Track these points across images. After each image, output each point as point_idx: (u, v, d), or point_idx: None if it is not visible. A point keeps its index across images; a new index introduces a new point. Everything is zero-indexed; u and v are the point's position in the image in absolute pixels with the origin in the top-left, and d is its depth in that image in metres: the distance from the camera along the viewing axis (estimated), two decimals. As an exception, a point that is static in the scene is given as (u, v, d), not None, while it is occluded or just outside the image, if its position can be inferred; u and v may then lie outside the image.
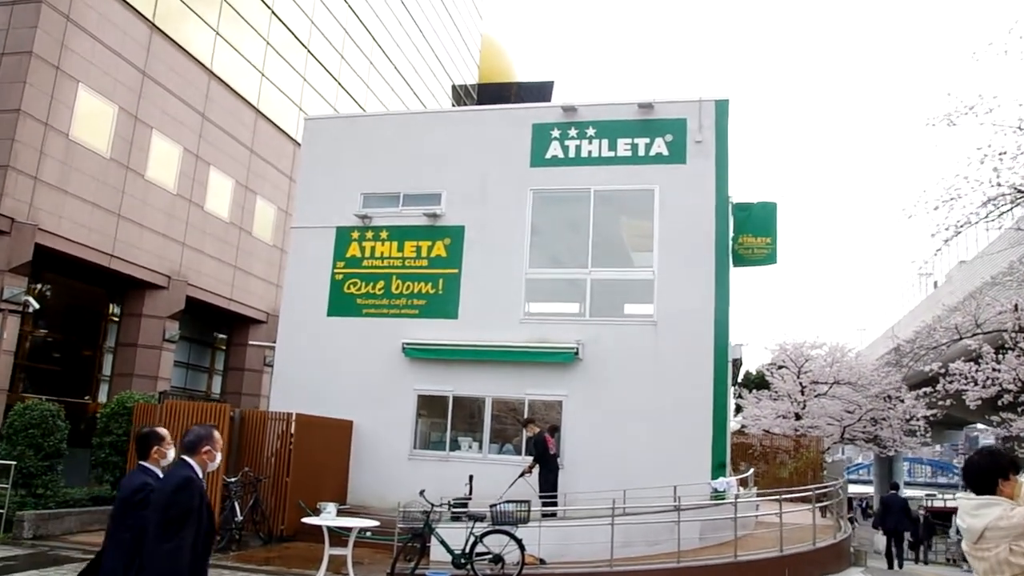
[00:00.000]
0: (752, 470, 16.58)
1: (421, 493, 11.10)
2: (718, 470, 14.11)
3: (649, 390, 14.48)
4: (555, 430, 14.40)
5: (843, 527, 14.91)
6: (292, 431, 13.04)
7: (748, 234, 16.35)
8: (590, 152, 15.69)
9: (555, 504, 13.12)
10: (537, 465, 13.40)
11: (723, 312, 14.67)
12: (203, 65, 24.74)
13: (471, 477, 13.39)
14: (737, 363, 16.00)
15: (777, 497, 12.55)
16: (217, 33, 25.56)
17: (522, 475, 13.46)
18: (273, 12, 28.68)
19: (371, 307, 16.01)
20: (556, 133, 15.90)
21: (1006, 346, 18.33)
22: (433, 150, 16.45)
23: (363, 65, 35.74)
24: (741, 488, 15.34)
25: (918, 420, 37.96)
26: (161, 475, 4.78)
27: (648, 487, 13.18)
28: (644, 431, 14.33)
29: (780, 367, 37.68)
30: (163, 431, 5.08)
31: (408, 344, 15.42)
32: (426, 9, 44.01)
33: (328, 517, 10.21)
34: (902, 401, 37.24)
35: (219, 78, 25.56)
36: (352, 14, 34.76)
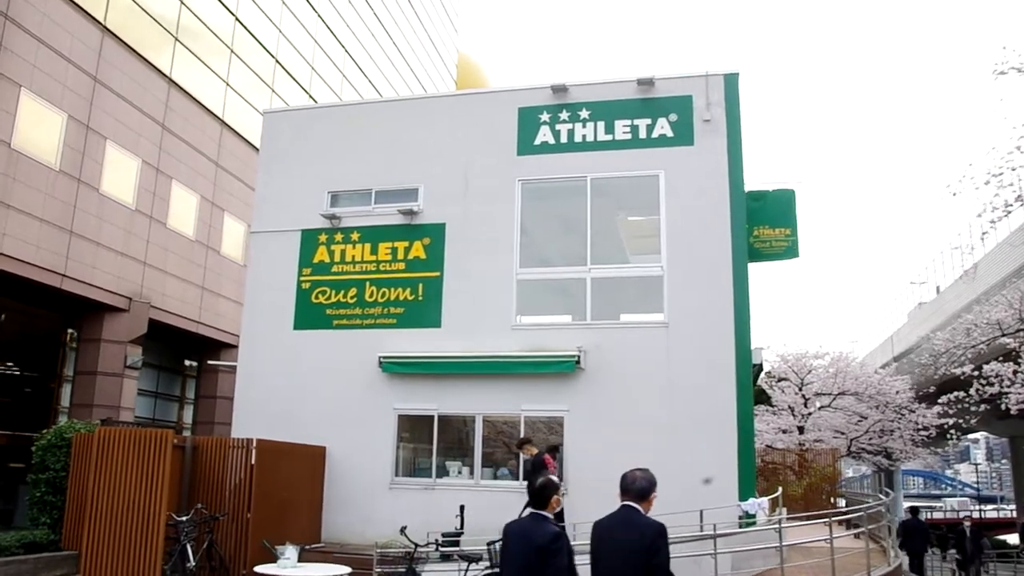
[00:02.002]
0: (780, 489, 14.78)
1: (402, 531, 9.25)
2: (747, 490, 12.33)
3: (663, 401, 12.73)
4: (555, 450, 12.63)
5: (895, 554, 13.07)
6: (253, 460, 11.14)
7: (764, 225, 14.71)
8: (584, 136, 14.03)
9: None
10: None
11: (744, 311, 12.98)
12: (161, 72, 23.01)
13: (462, 508, 11.54)
14: (758, 368, 14.27)
15: (826, 520, 10.71)
16: (176, 39, 23.86)
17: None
18: (237, 19, 27.05)
19: (343, 318, 14.20)
20: (545, 117, 14.23)
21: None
22: (408, 141, 14.74)
23: (336, 78, 34.12)
24: (769, 510, 13.57)
25: (928, 429, 36.49)
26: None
27: (668, 512, 11.32)
28: (659, 448, 12.53)
29: (780, 379, 36.10)
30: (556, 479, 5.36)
31: (386, 358, 13.59)
32: (401, 24, 42.63)
33: (287, 564, 8.32)
34: (911, 411, 35.77)
35: (179, 86, 23.82)
36: (323, 25, 33.22)
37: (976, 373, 17.85)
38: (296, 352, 14.18)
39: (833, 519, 11.00)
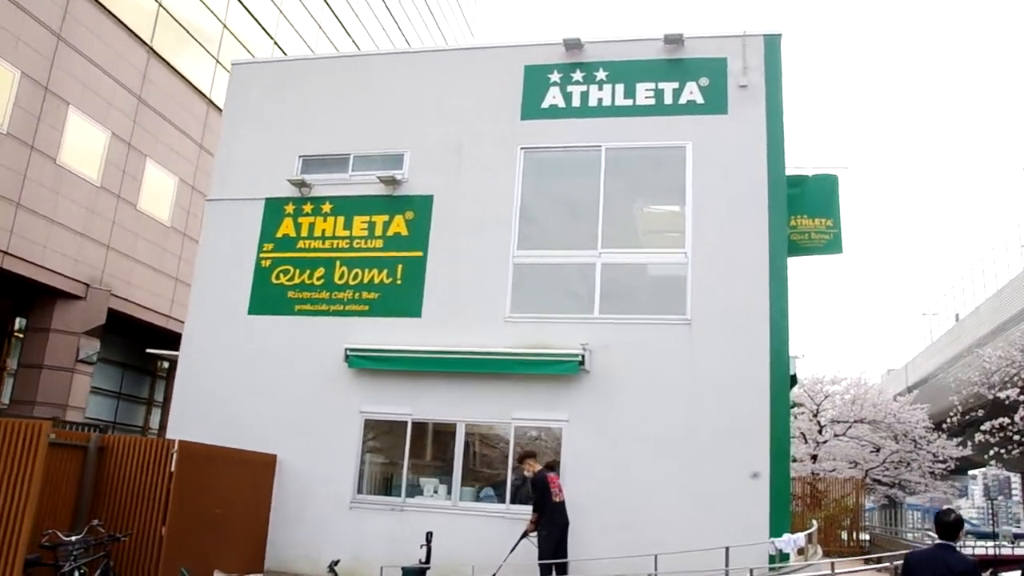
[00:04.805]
0: (816, 523, 12.57)
1: (331, 567, 7.09)
2: (780, 523, 10.15)
3: (682, 413, 10.59)
4: (552, 468, 10.46)
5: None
6: (173, 466, 8.94)
7: (803, 214, 12.63)
8: (600, 100, 11.96)
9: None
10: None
11: (781, 311, 10.86)
12: (140, 39, 21.01)
13: (429, 536, 9.36)
14: (793, 379, 12.11)
15: (884, 565, 8.47)
16: (160, 3, 21.90)
17: (525, 535, 9.60)
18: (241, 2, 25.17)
19: (306, 302, 12.05)
20: (556, 77, 12.16)
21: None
22: (395, 100, 12.67)
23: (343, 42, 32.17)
24: (806, 547, 11.36)
25: (946, 462, 34.34)
26: None
27: (689, 550, 9.19)
28: (676, 469, 10.41)
29: (795, 405, 34.02)
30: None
31: (353, 351, 11.44)
32: (418, 27, 40.80)
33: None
34: (929, 442, 33.77)
35: (161, 57, 21.84)
36: (330, 11, 31.35)
37: (1023, 398, 15.88)
38: (249, 341, 12.03)
39: (896, 562, 8.79)
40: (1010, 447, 16.95)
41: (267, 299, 12.16)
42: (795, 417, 33.24)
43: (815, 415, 33.34)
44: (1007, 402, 16.74)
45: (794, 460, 33.29)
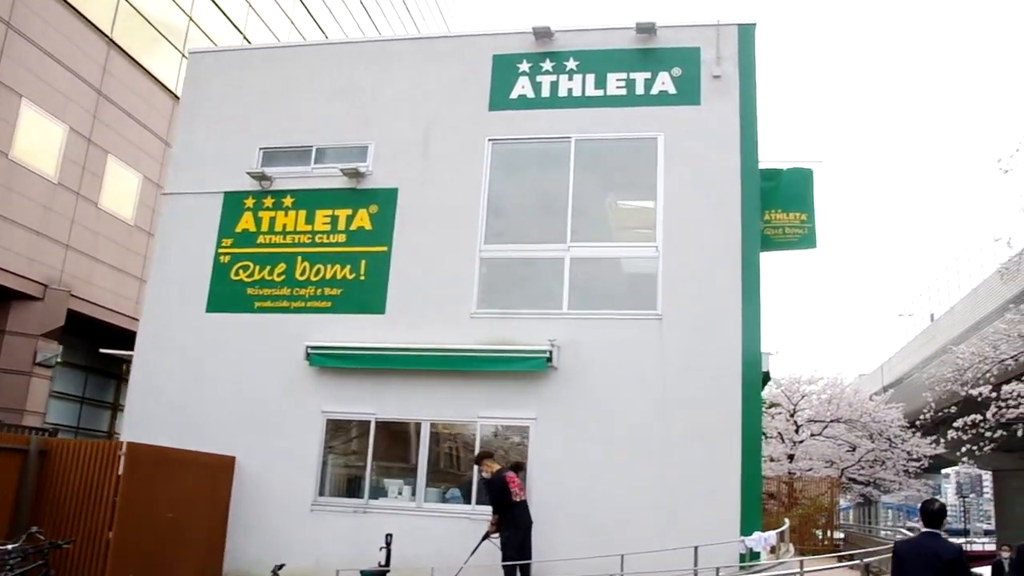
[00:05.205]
0: (787, 522, 12.35)
1: (274, 572, 6.73)
2: (752, 522, 9.91)
3: (652, 411, 10.31)
4: (519, 468, 10.16)
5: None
6: (121, 470, 8.50)
7: (777, 209, 12.41)
8: (570, 91, 11.65)
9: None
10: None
11: (753, 307, 10.62)
12: (98, 29, 20.41)
13: (389, 538, 9.00)
14: (764, 377, 11.89)
15: (855, 563, 8.23)
16: (119, -6, 21.31)
17: (487, 536, 9.27)
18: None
19: (267, 299, 11.62)
20: (525, 66, 11.85)
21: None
22: (360, 90, 12.28)
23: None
24: (778, 546, 11.15)
25: (920, 460, 34.54)
26: None
27: (657, 550, 8.93)
28: (646, 467, 10.13)
29: (772, 405, 34.06)
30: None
31: (315, 349, 11.04)
32: (392, 21, 40.31)
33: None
34: (904, 440, 33.98)
35: (121, 49, 21.24)
36: (302, 5, 30.82)
37: (995, 395, 15.88)
38: (207, 339, 11.58)
39: (867, 559, 8.59)
40: (982, 444, 16.91)
41: (226, 296, 11.72)
42: (772, 417, 33.26)
43: (792, 415, 33.45)
44: (979, 399, 16.71)
45: (772, 460, 33.35)
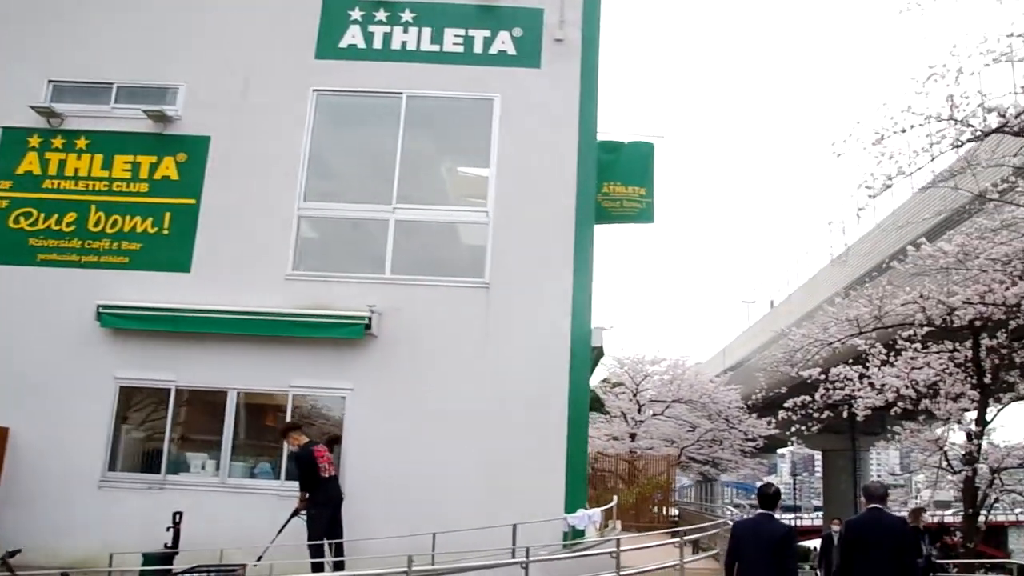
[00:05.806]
0: (615, 500, 12.34)
1: (4, 560, 5.86)
2: (576, 499, 9.71)
3: (476, 383, 9.92)
4: (336, 441, 9.52)
5: None
6: None
7: (616, 181, 12.33)
8: (404, 44, 10.98)
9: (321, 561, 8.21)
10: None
11: (585, 279, 10.41)
12: None
13: (178, 516, 8.15)
14: (598, 352, 11.77)
15: (677, 540, 8.10)
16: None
17: (296, 514, 8.56)
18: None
19: (52, 251, 10.32)
20: (357, 14, 11.06)
21: (897, 346, 15.54)
22: (173, 24, 11.10)
23: None
24: (604, 523, 11.07)
25: (756, 440, 36.33)
26: None
27: (474, 528, 8.52)
28: (469, 441, 9.74)
29: (616, 384, 34.79)
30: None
31: (108, 308, 9.89)
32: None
33: None
34: (741, 421, 35.50)
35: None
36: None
37: (823, 377, 16.61)
38: (-21, 295, 10.19)
39: (686, 537, 8.54)
40: (810, 424, 17.63)
41: (3, 246, 10.33)
42: (616, 396, 33.95)
43: (635, 395, 34.20)
44: (809, 381, 17.39)
45: (614, 439, 34.06)
